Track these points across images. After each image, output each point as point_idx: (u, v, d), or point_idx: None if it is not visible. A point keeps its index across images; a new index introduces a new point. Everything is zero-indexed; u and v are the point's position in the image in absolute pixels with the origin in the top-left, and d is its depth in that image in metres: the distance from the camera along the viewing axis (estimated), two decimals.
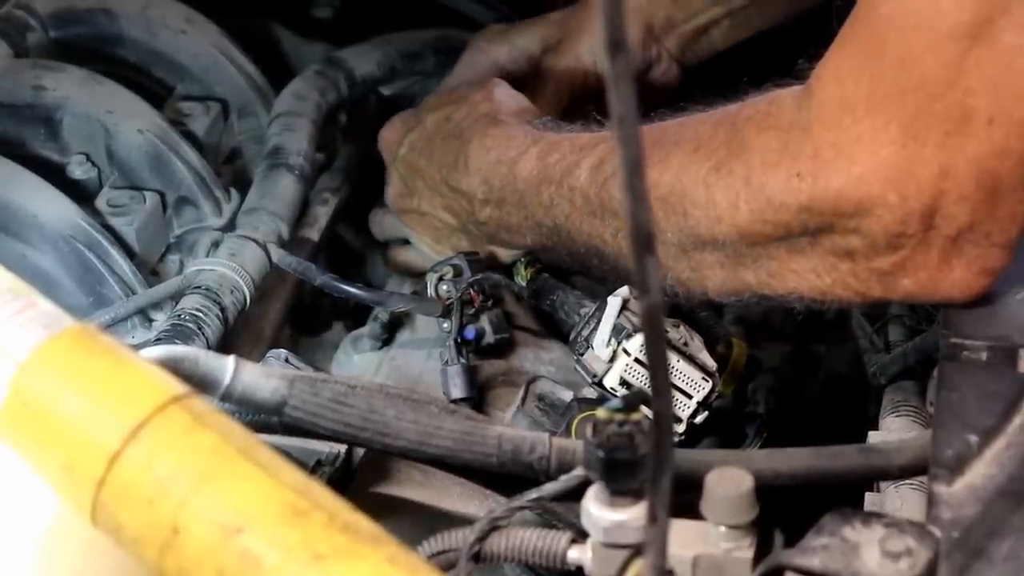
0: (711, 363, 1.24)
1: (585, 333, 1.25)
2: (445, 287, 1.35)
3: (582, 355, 1.25)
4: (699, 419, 1.24)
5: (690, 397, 1.23)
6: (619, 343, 1.22)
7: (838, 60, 1.06)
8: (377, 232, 1.55)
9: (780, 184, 1.07)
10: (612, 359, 1.22)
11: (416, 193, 1.45)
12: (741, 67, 1.42)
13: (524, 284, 1.38)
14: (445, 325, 1.35)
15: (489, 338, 1.35)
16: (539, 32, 1.56)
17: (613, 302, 1.23)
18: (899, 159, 1.02)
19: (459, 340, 1.31)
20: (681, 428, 1.23)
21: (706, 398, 1.23)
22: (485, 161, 1.35)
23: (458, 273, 1.36)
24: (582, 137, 1.28)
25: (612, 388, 1.22)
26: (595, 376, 1.23)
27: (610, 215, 1.21)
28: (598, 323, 1.24)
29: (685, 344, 1.23)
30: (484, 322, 1.35)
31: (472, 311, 1.34)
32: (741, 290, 1.15)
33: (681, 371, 1.22)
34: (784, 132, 1.07)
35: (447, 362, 1.30)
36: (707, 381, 1.23)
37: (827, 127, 1.04)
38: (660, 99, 1.44)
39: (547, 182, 1.27)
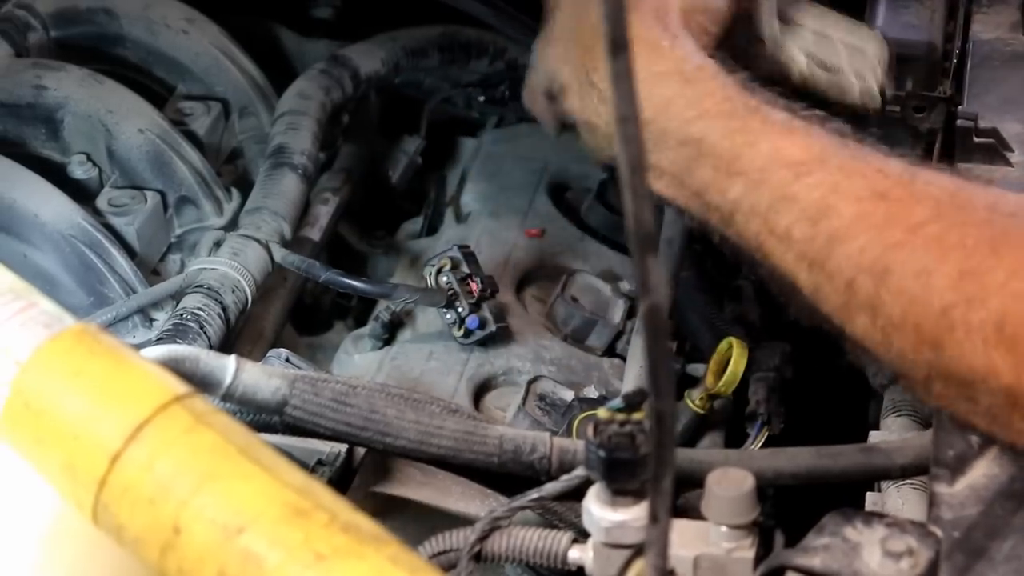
0: None
1: None
2: (445, 278, 1.36)
3: None
4: None
5: None
6: None
7: None
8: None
9: None
10: None
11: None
12: None
13: None
14: (448, 316, 1.36)
15: (491, 327, 1.37)
16: None
17: None
18: None
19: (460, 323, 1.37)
20: None
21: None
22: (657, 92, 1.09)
23: (455, 265, 1.37)
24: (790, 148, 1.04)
25: None
26: None
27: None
28: None
29: None
30: (485, 311, 1.37)
31: (472, 301, 1.36)
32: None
33: None
34: None
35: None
36: None
37: None
38: None
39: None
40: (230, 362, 1.00)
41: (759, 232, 1.03)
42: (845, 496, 1.04)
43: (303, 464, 1.05)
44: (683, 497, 1.03)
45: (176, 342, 1.24)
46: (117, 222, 1.39)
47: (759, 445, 1.31)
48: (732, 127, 1.05)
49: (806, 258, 0.99)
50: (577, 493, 0.93)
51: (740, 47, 1.20)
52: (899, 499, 1.11)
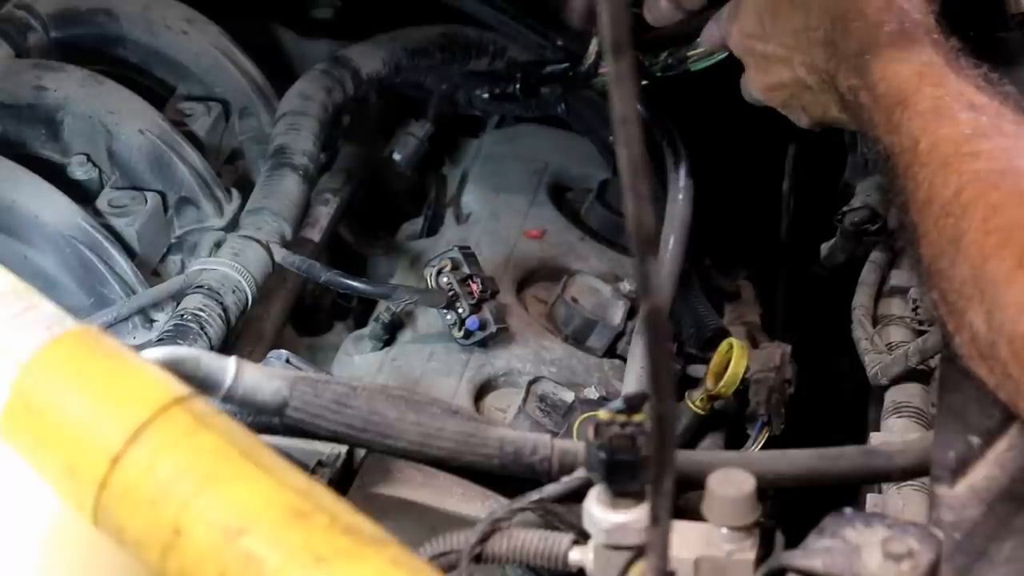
0: None
1: None
2: (445, 279, 1.37)
3: None
4: None
5: None
6: None
7: None
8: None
9: None
10: None
11: (771, 38, 1.30)
12: None
13: None
14: (448, 317, 1.36)
15: (491, 328, 1.37)
16: None
17: None
18: None
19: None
20: None
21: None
22: (870, 36, 1.20)
23: (455, 266, 1.37)
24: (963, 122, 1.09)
25: None
26: None
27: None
28: None
29: None
30: (486, 312, 1.37)
31: (473, 302, 1.36)
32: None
33: None
34: None
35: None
36: None
37: None
38: None
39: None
40: (230, 363, 1.00)
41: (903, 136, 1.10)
42: (846, 497, 1.04)
43: (303, 465, 1.05)
44: (684, 498, 1.03)
45: (176, 343, 1.25)
46: (117, 223, 1.39)
47: (760, 446, 1.31)
48: (924, 73, 1.14)
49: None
50: (578, 495, 0.92)
51: None
52: (900, 501, 1.11)
